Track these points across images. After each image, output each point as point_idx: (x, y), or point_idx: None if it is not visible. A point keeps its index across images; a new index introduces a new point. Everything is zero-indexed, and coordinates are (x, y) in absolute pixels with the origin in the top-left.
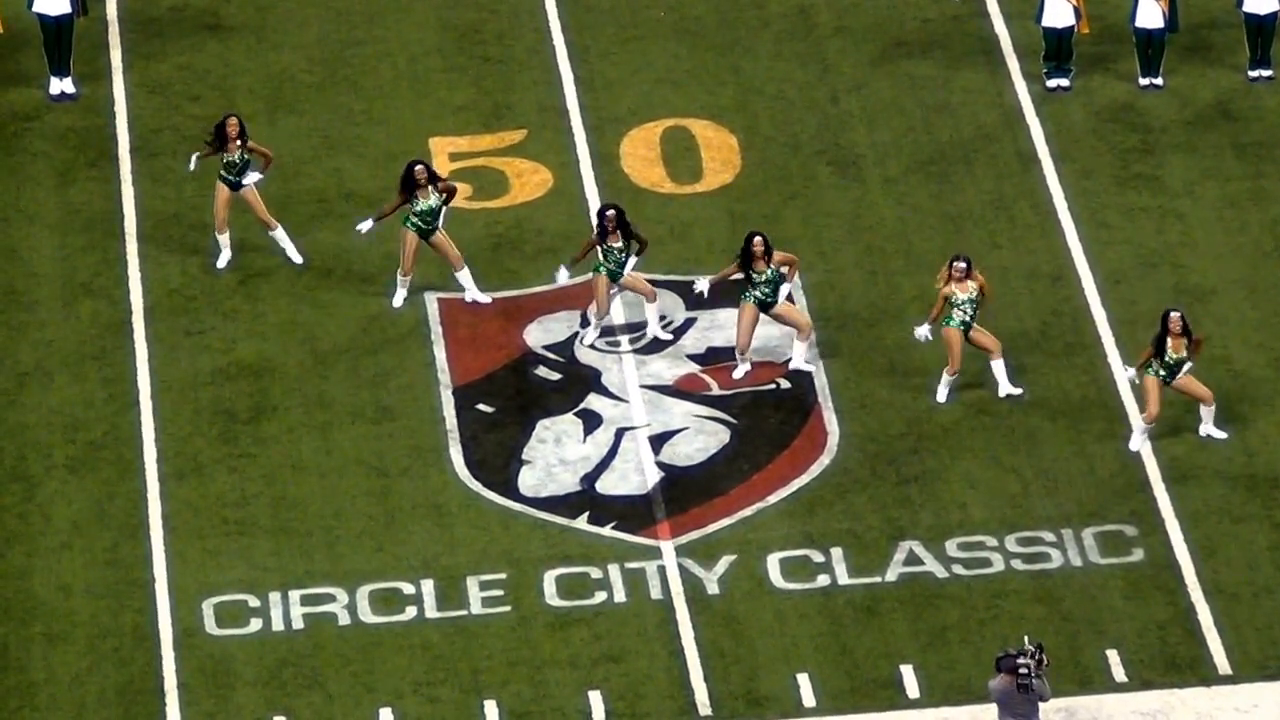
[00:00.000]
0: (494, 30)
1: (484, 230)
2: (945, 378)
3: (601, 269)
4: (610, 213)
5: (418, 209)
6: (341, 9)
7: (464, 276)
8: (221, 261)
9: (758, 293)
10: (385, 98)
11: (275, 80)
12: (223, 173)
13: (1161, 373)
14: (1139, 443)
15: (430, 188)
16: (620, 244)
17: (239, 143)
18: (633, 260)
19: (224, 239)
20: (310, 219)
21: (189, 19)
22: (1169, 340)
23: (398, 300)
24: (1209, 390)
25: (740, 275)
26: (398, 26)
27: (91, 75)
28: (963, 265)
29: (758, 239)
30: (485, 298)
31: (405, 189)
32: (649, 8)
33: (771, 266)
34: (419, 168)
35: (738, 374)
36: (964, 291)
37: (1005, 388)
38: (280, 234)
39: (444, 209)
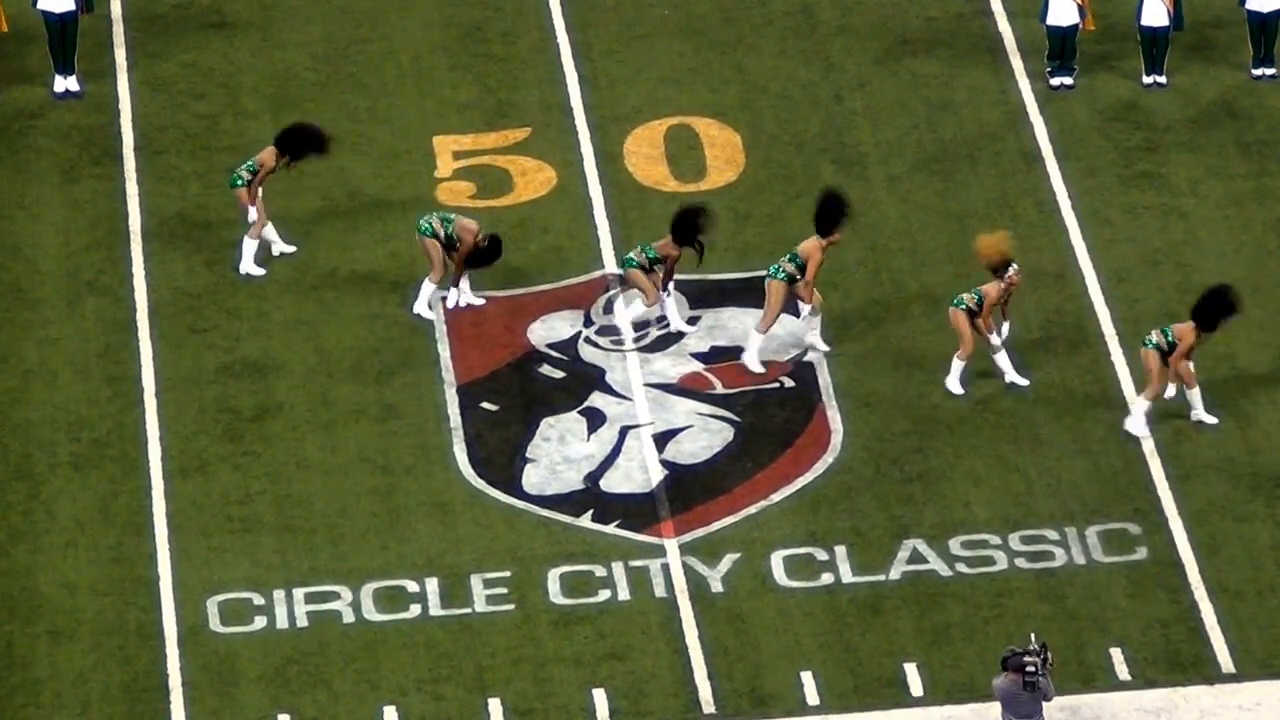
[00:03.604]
0: (498, 28)
1: (488, 229)
2: (959, 363)
3: (632, 263)
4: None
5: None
6: (345, 7)
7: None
8: (277, 250)
9: (791, 267)
10: (389, 96)
11: (279, 78)
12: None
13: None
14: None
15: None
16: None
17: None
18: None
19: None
20: (314, 217)
21: (193, 17)
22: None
23: (419, 308)
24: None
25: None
26: (401, 24)
27: (96, 73)
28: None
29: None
30: (479, 300)
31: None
32: (653, 6)
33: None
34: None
35: (751, 360)
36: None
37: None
38: (269, 231)
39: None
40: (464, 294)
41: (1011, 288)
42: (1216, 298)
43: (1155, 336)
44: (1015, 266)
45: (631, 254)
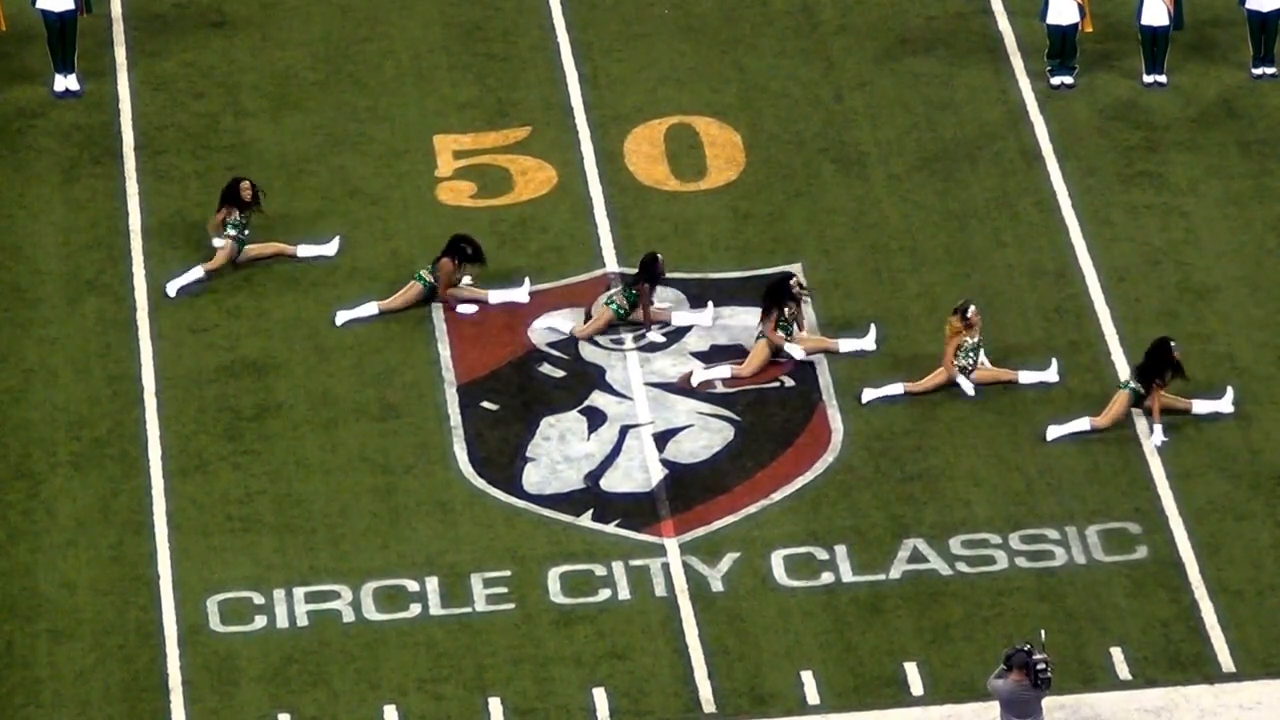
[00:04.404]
0: (498, 27)
1: (488, 228)
2: (900, 386)
3: (613, 306)
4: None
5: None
6: (345, 6)
7: (495, 295)
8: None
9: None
10: (389, 95)
11: (279, 77)
12: (233, 233)
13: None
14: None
15: (468, 265)
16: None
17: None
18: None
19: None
20: (314, 216)
21: (193, 16)
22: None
23: (341, 318)
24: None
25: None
26: (402, 23)
27: (96, 72)
28: (976, 310)
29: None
30: (523, 296)
31: (458, 256)
32: (653, 5)
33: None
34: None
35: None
36: (971, 337)
37: (1051, 376)
38: (303, 249)
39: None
40: (508, 294)
41: (972, 321)
42: (1155, 352)
43: (1135, 382)
44: (973, 308)
45: (615, 299)
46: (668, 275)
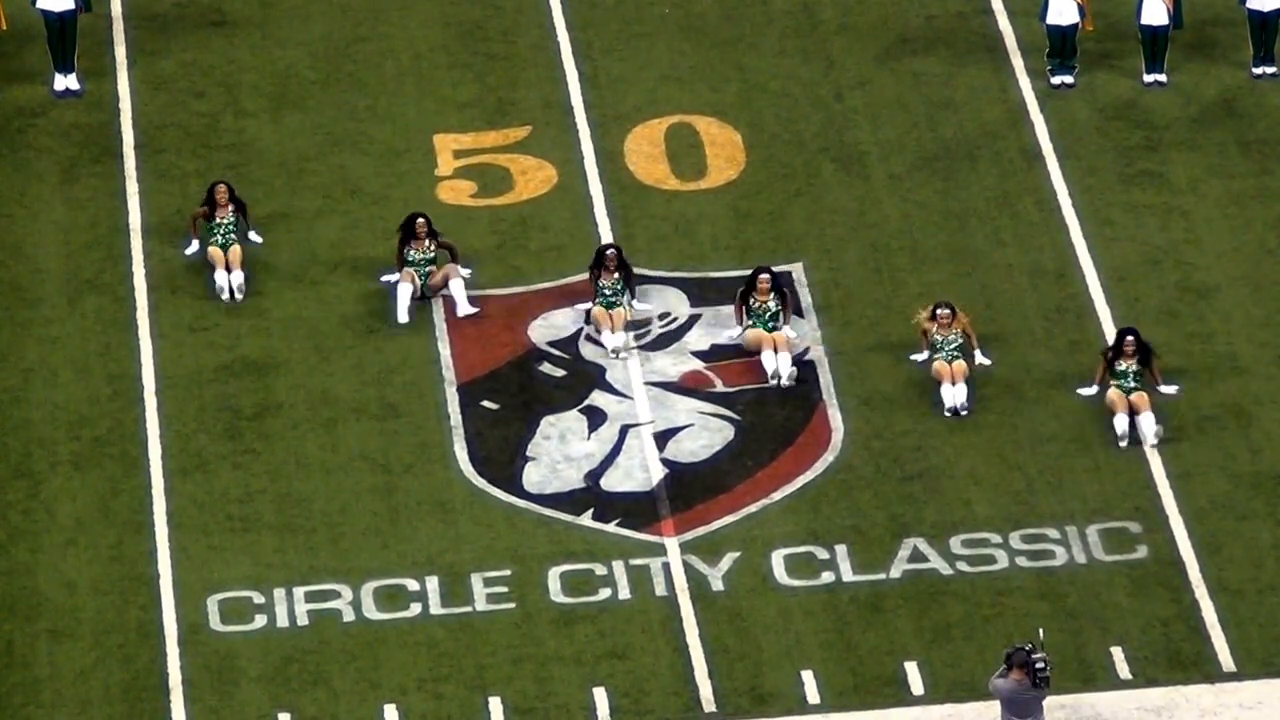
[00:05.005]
0: (498, 27)
1: (488, 227)
2: (947, 388)
3: (600, 302)
4: (610, 252)
5: (411, 258)
6: (345, 5)
7: (456, 287)
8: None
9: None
10: (389, 94)
11: (279, 77)
12: (213, 239)
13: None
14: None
15: (429, 241)
16: (610, 283)
17: (231, 208)
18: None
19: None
20: (314, 215)
21: (193, 15)
22: (1120, 360)
23: (404, 316)
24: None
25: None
26: (402, 23)
27: (96, 71)
28: (946, 312)
29: (764, 275)
30: (473, 307)
31: (401, 240)
32: (653, 4)
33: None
34: (420, 220)
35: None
36: (944, 334)
37: (954, 399)
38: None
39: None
40: (460, 303)
41: (942, 321)
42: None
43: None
44: (941, 311)
45: (612, 298)
46: (668, 275)
